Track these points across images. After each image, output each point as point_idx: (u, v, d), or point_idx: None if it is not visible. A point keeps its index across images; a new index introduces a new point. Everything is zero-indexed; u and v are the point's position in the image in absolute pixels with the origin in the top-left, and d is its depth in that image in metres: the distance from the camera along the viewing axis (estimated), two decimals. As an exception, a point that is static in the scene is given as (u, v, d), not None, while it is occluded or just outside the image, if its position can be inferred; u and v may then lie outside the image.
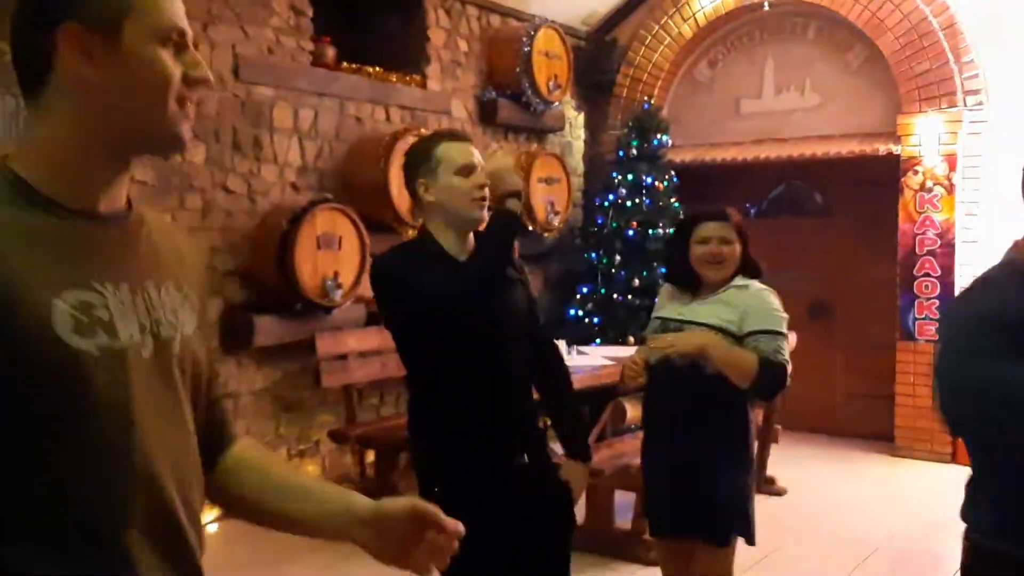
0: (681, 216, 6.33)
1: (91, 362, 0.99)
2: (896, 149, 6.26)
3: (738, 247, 2.76)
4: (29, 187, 1.02)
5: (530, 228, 6.51)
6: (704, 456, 2.72)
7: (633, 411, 4.08)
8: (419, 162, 2.36)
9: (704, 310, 2.75)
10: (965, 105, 6.08)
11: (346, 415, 5.24)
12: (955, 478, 6.31)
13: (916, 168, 6.19)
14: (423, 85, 6.00)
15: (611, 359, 5.22)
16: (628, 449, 4.34)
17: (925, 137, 6.16)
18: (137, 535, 1.03)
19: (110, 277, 1.05)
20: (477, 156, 2.35)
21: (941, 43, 6.11)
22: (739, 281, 2.76)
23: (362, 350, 5.20)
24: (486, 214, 2.32)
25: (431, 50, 6.08)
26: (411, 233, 5.60)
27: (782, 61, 6.99)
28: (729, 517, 2.77)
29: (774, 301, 2.74)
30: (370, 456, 5.19)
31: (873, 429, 6.47)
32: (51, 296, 0.98)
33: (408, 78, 5.89)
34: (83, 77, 1.02)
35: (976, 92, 6.07)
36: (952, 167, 6.08)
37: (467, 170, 2.30)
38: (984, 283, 1.70)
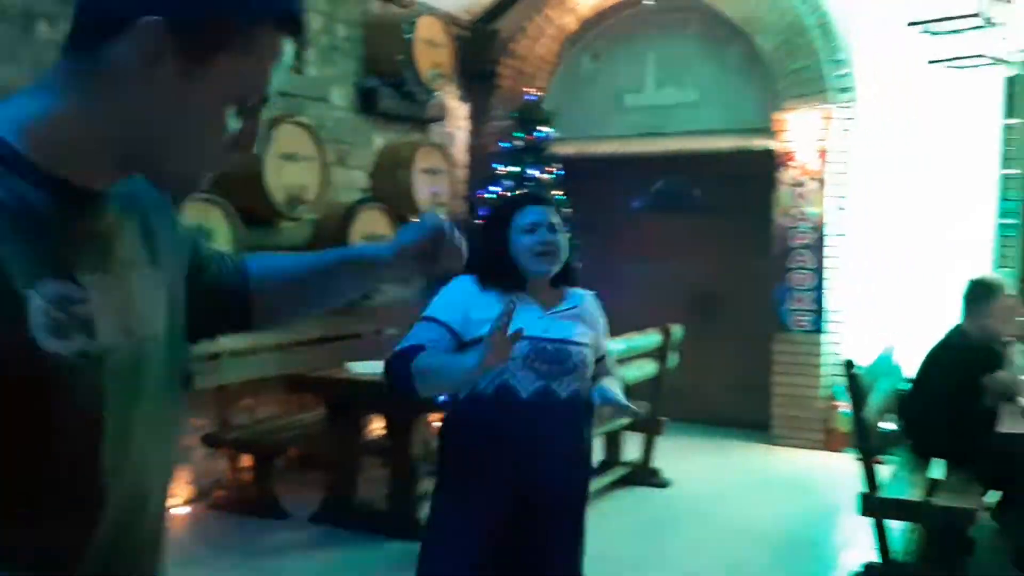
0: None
1: (65, 369, 0.86)
2: (772, 144, 6.41)
3: (565, 238, 2.37)
4: (18, 155, 0.88)
5: (412, 220, 6.34)
6: (580, 495, 2.39)
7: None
8: None
9: (566, 327, 2.34)
10: (836, 102, 6.26)
11: (220, 418, 4.98)
12: (828, 464, 6.55)
13: (790, 163, 6.35)
14: (299, 71, 5.76)
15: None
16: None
17: (798, 133, 6.32)
18: (104, 549, 0.93)
19: (94, 266, 0.92)
20: None
21: (816, 41, 6.27)
22: (579, 290, 2.46)
23: (236, 349, 4.95)
24: None
25: (308, 34, 5.83)
26: (288, 225, 5.40)
27: (663, 56, 7.05)
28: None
29: None
30: (246, 461, 4.95)
31: (751, 418, 6.61)
32: (27, 286, 0.84)
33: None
34: (147, 79, 0.90)
35: (847, 89, 6.26)
36: (824, 162, 6.26)
37: None
38: None
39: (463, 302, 2.29)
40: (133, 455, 0.95)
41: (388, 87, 6.25)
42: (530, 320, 2.22)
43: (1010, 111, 5.83)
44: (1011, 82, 5.78)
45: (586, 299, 2.45)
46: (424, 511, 4.56)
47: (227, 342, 4.92)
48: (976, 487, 3.94)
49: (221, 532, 4.54)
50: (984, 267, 5.68)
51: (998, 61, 4.92)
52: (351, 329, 5.82)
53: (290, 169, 5.18)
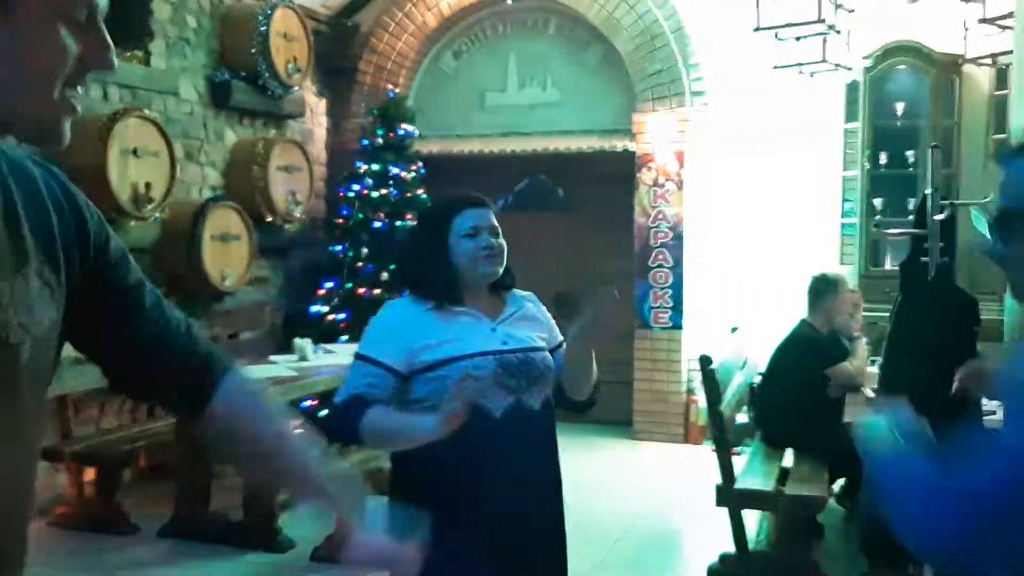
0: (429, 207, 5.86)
1: None
2: (631, 146, 6.53)
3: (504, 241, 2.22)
4: None
5: (269, 219, 6.14)
6: (560, 507, 2.23)
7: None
8: None
9: (523, 333, 2.19)
10: (692, 105, 6.44)
11: (60, 430, 4.67)
12: (688, 456, 6.69)
13: (649, 164, 6.49)
14: (146, 62, 5.46)
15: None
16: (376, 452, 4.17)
17: (657, 134, 6.46)
18: None
19: None
20: None
21: (671, 45, 6.43)
22: (517, 292, 2.29)
23: (78, 356, 4.64)
24: None
25: (155, 25, 5.54)
26: (134, 224, 5.12)
27: (524, 56, 7.08)
28: None
29: None
30: (90, 474, 4.66)
31: (614, 415, 6.70)
32: None
33: (129, 54, 5.33)
34: None
35: (701, 93, 6.45)
36: (681, 163, 6.43)
37: None
38: None
39: (401, 332, 2.10)
40: (5, 466, 0.92)
41: (242, 81, 6.01)
42: (484, 334, 2.11)
43: (850, 116, 6.14)
44: (851, 88, 6.09)
45: (527, 300, 2.29)
46: (282, 520, 4.43)
47: (67, 348, 4.62)
48: (823, 474, 4.11)
49: (65, 551, 4.24)
50: (830, 264, 5.95)
51: (840, 67, 5.15)
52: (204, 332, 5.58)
53: (136, 165, 4.91)
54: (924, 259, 3.02)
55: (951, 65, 5.86)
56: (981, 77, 5.95)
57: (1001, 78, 5.82)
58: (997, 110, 5.89)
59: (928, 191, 3.10)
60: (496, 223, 2.20)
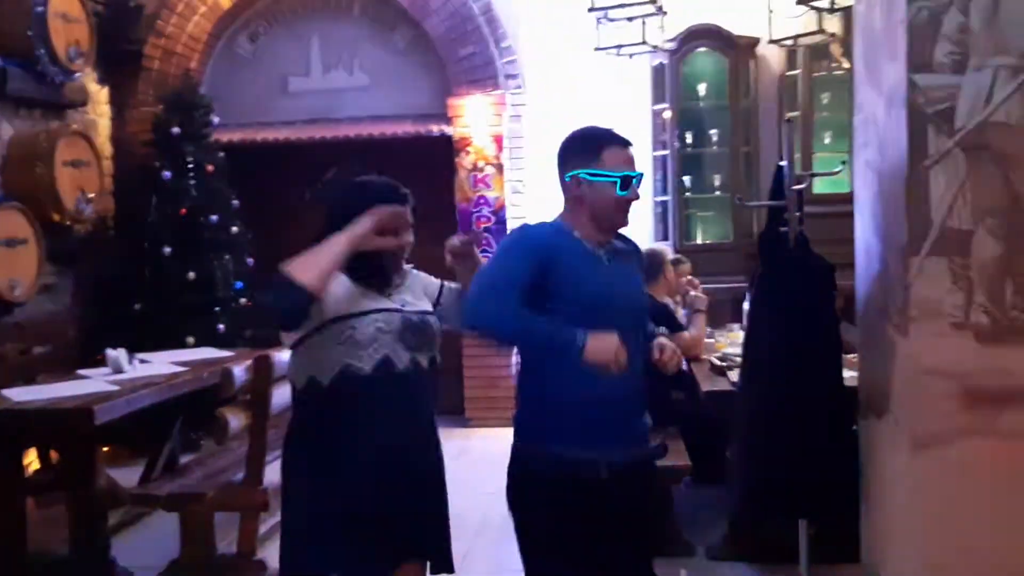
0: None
1: None
2: (449, 130, 6.43)
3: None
4: None
5: (56, 219, 5.52)
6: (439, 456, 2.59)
7: (237, 421, 3.59)
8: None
9: (417, 299, 2.51)
10: (507, 88, 6.43)
11: None
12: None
13: (468, 149, 6.42)
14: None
15: (182, 364, 4.62)
16: (227, 464, 3.85)
17: (473, 118, 6.40)
18: None
19: None
20: None
21: (482, 28, 6.38)
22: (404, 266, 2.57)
23: None
24: None
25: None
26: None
27: (328, 39, 6.80)
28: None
29: None
30: None
31: (447, 404, 6.62)
32: None
33: None
34: None
35: (515, 76, 6.45)
36: (500, 147, 6.41)
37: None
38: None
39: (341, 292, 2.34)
40: None
41: (18, 67, 5.34)
42: (372, 299, 2.37)
43: (657, 97, 6.35)
44: (657, 70, 6.30)
45: (411, 273, 2.57)
46: (116, 549, 3.99)
47: None
48: (680, 443, 4.21)
49: None
50: (646, 240, 6.14)
51: (657, 49, 5.30)
52: (-9, 351, 4.95)
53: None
54: (783, 229, 3.14)
55: (747, 47, 6.20)
56: (772, 58, 6.34)
57: (791, 59, 6.24)
58: (788, 89, 6.31)
59: (783, 163, 3.23)
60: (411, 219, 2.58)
